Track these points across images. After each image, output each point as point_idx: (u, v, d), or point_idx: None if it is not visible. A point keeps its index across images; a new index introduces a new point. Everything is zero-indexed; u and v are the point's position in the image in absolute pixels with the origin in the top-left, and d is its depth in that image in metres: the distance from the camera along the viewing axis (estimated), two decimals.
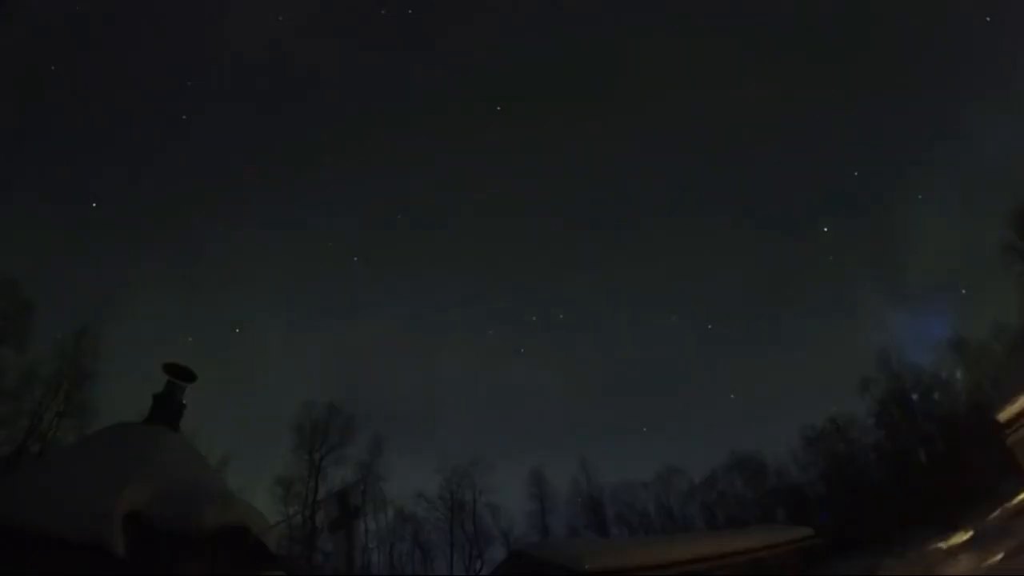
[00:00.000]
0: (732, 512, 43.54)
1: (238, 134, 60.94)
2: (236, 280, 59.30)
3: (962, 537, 21.47)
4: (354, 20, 61.88)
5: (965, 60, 51.95)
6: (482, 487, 42.09)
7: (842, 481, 39.96)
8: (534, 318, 67.25)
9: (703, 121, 63.65)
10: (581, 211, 71.68)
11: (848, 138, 61.80)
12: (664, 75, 61.66)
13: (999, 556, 15.17)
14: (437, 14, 60.01)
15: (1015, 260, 34.08)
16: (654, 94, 61.60)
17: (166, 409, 11.11)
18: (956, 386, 39.76)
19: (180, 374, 11.42)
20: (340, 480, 34.99)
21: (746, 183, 66.82)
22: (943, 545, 22.20)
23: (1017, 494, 21.32)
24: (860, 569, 23.34)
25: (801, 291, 60.75)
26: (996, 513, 22.22)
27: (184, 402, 11.46)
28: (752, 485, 44.58)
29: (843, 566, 24.97)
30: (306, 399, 39.28)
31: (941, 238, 57.13)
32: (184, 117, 53.12)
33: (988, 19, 46.87)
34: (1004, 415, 17.92)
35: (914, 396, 39.66)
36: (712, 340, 60.09)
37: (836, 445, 41.70)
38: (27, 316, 27.98)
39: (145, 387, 11.47)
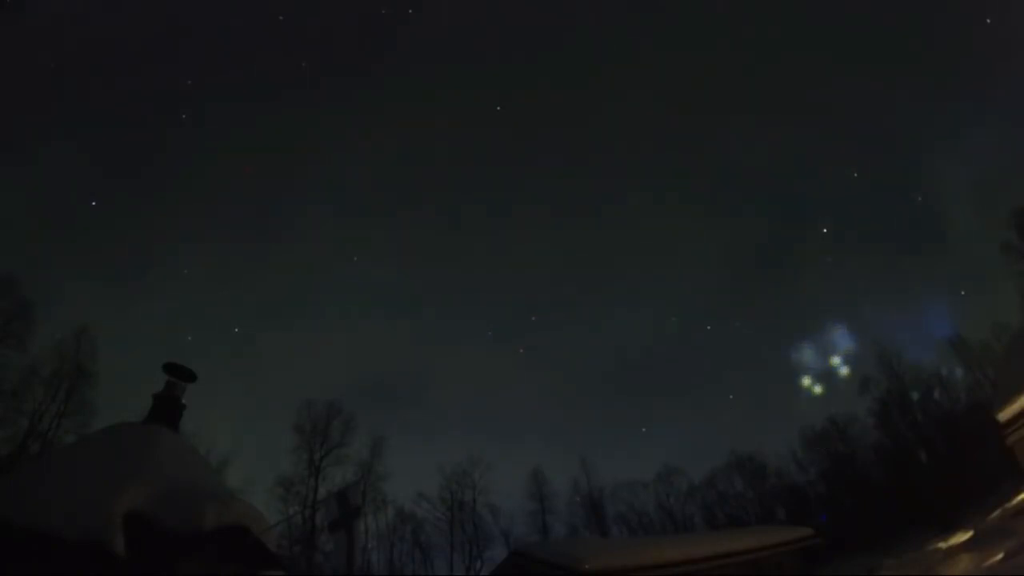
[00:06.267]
0: (732, 512, 43.56)
1: (237, 133, 61.15)
2: (236, 280, 59.46)
3: (962, 537, 21.46)
4: (354, 20, 61.96)
5: (965, 60, 52.01)
6: (482, 487, 42.26)
7: (842, 481, 39.95)
8: (534, 318, 67.44)
9: (705, 121, 63.77)
10: (582, 212, 71.85)
11: (848, 138, 61.94)
12: (665, 75, 61.72)
13: (999, 556, 15.16)
14: (437, 14, 60.10)
15: (1015, 260, 34.12)
16: (657, 95, 61.72)
17: (166, 409, 11.07)
18: (956, 386, 39.85)
19: (180, 374, 11.39)
20: (340, 480, 35.17)
21: (746, 184, 66.92)
22: (943, 545, 22.19)
23: (1017, 494, 21.31)
24: (860, 569, 23.35)
25: (801, 292, 60.90)
26: (996, 513, 22.22)
27: (184, 402, 11.45)
28: (752, 485, 44.60)
29: (843, 566, 24.95)
30: (306, 399, 39.45)
31: (941, 238, 57.29)
32: (184, 117, 53.26)
33: (988, 20, 46.92)
34: (1004, 415, 17.87)
35: (914, 396, 39.67)
36: (712, 341, 60.28)
37: (836, 445, 41.71)
38: (27, 316, 28.00)
39: (145, 387, 11.49)
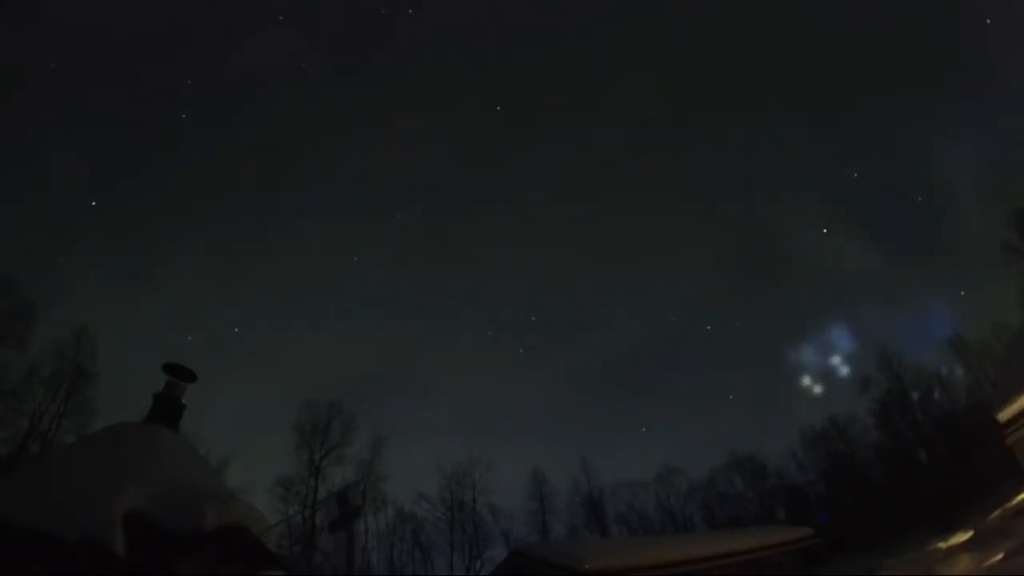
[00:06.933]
0: (732, 512, 43.56)
1: (237, 133, 61.11)
2: (236, 280, 59.45)
3: (962, 537, 21.45)
4: (354, 20, 61.95)
5: (965, 61, 52.00)
6: (482, 487, 42.28)
7: (842, 481, 39.96)
8: (534, 318, 67.43)
9: (705, 121, 63.75)
10: (582, 212, 71.83)
11: (847, 139, 61.96)
12: (665, 75, 61.70)
13: (999, 556, 15.15)
14: (436, 13, 60.12)
15: (1015, 260, 34.12)
16: (657, 95, 61.71)
17: (166, 409, 11.09)
18: (956, 386, 39.89)
19: (180, 374, 11.41)
20: (340, 480, 35.18)
21: (746, 184, 66.93)
22: (943, 545, 22.18)
23: (1017, 494, 21.31)
24: (860, 569, 23.34)
25: (801, 292, 60.95)
26: (996, 513, 22.21)
27: (184, 402, 11.46)
28: (752, 485, 44.61)
29: (843, 566, 24.96)
30: (306, 399, 39.44)
31: (941, 238, 57.32)
32: (184, 117, 53.25)
33: (988, 21, 46.93)
34: (1004, 415, 17.89)
35: (915, 396, 39.70)
36: (711, 341, 60.30)
37: (836, 445, 41.73)
38: (27, 316, 28.01)
39: (145, 387, 11.50)
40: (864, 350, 45.64)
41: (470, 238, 71.60)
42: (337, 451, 38.15)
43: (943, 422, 37.52)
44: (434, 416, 55.01)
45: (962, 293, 47.50)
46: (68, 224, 49.05)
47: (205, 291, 56.31)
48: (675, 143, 67.42)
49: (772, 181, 66.81)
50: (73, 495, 8.15)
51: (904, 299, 56.71)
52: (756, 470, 44.67)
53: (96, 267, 51.01)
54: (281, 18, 58.38)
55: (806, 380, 51.18)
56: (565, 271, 72.06)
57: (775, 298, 62.54)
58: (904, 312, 53.88)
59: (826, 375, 50.41)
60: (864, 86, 58.64)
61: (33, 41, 44.23)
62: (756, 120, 62.31)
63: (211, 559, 8.41)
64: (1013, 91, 46.76)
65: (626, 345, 64.32)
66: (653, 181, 69.64)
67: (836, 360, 50.21)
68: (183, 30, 54.14)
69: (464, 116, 61.39)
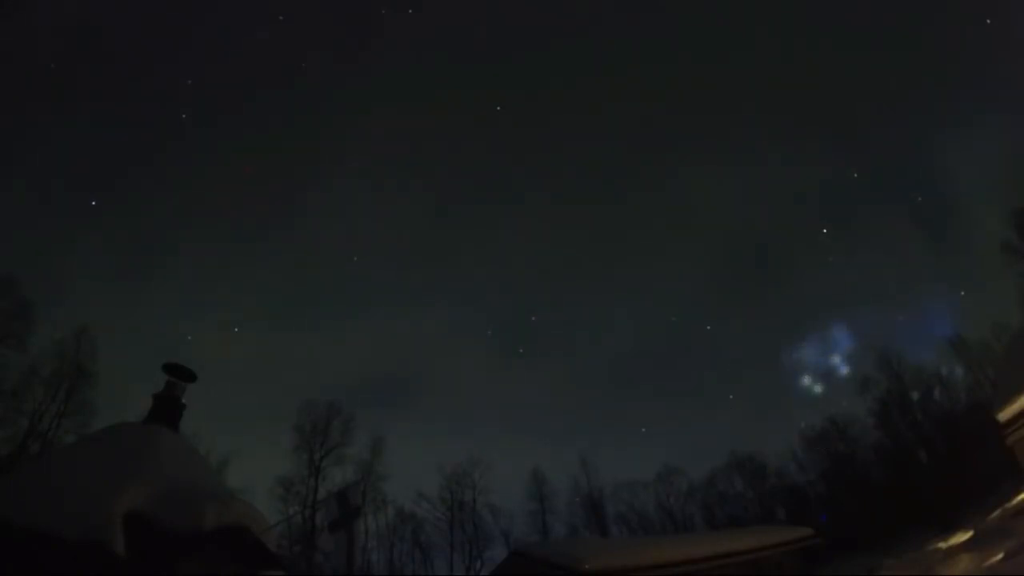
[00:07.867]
0: (732, 512, 43.55)
1: (237, 133, 61.12)
2: (236, 280, 59.47)
3: (962, 537, 21.45)
4: (354, 20, 61.94)
5: (965, 61, 51.98)
6: (482, 487, 42.26)
7: (842, 481, 39.95)
8: (534, 318, 67.46)
9: (705, 121, 63.76)
10: (582, 212, 71.83)
11: (847, 140, 61.95)
12: (665, 74, 61.68)
13: (999, 556, 15.15)
14: (436, 14, 60.11)
15: (1015, 260, 34.11)
16: (658, 95, 61.67)
17: (166, 409, 11.09)
18: (956, 386, 39.88)
19: (180, 374, 11.41)
20: (340, 480, 35.17)
21: (746, 184, 66.94)
22: (943, 545, 22.18)
23: (1017, 494, 21.31)
24: (860, 569, 23.34)
25: (801, 292, 60.97)
26: (996, 513, 22.21)
27: (184, 402, 11.46)
28: (752, 485, 44.60)
29: (843, 566, 24.95)
30: (306, 399, 39.41)
31: (941, 238, 57.32)
32: (184, 117, 53.22)
33: (988, 20, 46.91)
34: (1004, 415, 17.89)
35: (914, 396, 39.68)
36: (711, 341, 60.30)
37: (836, 445, 41.72)
38: (27, 316, 28.00)
39: (145, 387, 11.51)
40: (864, 350, 45.74)
41: (470, 238, 71.70)
42: (337, 451, 38.20)
43: (943, 422, 37.49)
44: (434, 416, 54.98)
45: (962, 293, 47.53)
46: (68, 224, 49.03)
47: (205, 291, 56.30)
48: (675, 143, 67.43)
49: (772, 181, 66.79)
50: (73, 495, 8.15)
51: (904, 299, 56.66)
52: (756, 470, 44.68)
53: (96, 267, 51.05)
54: (281, 18, 58.38)
55: (806, 380, 51.27)
56: (566, 271, 72.12)
57: (775, 298, 62.62)
58: (904, 312, 53.84)
59: (826, 375, 50.51)
60: (864, 86, 58.66)
61: (33, 41, 44.21)
62: (756, 120, 62.32)
63: (211, 559, 8.41)
64: (1013, 91, 46.75)
65: (626, 345, 64.42)
66: (653, 181, 69.71)
67: (836, 360, 50.30)
68: (183, 30, 54.10)
69: (464, 116, 61.37)
